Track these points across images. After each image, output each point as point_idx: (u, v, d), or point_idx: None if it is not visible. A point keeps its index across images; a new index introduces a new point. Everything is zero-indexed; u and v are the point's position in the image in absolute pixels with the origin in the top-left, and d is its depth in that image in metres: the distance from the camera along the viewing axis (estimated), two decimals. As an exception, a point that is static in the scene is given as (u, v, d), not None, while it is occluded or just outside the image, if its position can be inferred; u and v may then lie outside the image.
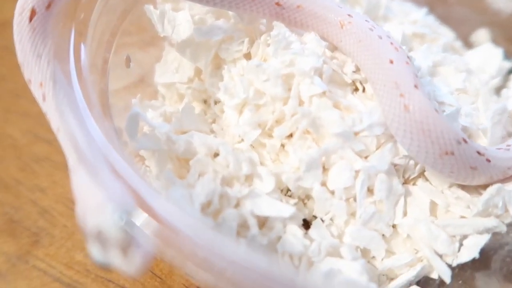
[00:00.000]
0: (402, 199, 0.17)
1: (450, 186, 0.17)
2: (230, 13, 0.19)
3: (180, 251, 0.11)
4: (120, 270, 0.11)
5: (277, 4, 0.18)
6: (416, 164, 0.17)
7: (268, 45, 0.18)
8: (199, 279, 0.14)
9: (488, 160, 0.15)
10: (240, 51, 0.19)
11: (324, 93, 0.17)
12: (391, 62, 0.16)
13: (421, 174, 0.17)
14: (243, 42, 0.19)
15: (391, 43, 0.17)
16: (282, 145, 0.17)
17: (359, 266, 0.15)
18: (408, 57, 0.16)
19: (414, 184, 0.17)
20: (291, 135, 0.17)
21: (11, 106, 0.24)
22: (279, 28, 0.18)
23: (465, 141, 0.15)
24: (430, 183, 0.17)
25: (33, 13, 0.14)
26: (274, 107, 0.17)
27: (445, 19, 0.24)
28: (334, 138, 0.16)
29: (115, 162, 0.12)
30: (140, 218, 0.11)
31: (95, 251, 0.11)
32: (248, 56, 0.19)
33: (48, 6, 0.14)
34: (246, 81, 0.17)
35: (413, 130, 0.15)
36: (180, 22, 0.19)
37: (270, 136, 0.17)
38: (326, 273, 0.14)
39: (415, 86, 0.15)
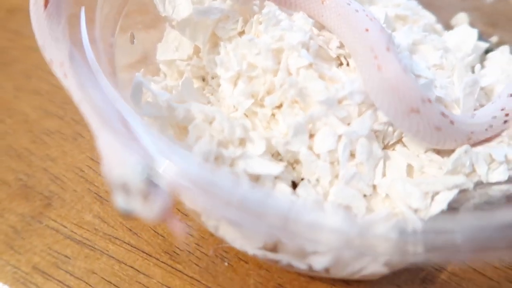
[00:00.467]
0: (381, 162, 0.18)
1: (426, 151, 0.19)
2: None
3: (195, 194, 0.13)
4: (142, 215, 0.13)
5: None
6: (394, 131, 0.19)
7: (260, 23, 0.20)
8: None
9: (452, 122, 0.17)
10: (235, 29, 0.20)
11: (310, 65, 0.18)
12: (367, 30, 0.18)
13: (399, 140, 0.19)
14: (237, 21, 0.20)
15: (366, 15, 0.18)
16: (273, 114, 0.19)
17: (340, 217, 0.16)
18: (382, 26, 0.18)
19: (393, 149, 0.19)
20: (281, 105, 0.19)
21: (22, 85, 0.25)
22: (270, 6, 0.19)
23: (429, 101, 0.17)
24: (408, 149, 0.19)
25: (46, 0, 0.16)
26: (265, 78, 0.19)
27: (427, 4, 0.25)
28: (319, 106, 0.18)
29: (133, 122, 0.14)
30: (159, 168, 0.13)
31: (119, 200, 0.13)
32: (242, 34, 0.21)
33: None
34: (239, 55, 0.19)
35: (384, 88, 0.17)
36: (180, 2, 0.20)
37: (262, 105, 0.19)
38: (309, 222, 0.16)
39: (387, 49, 0.17)
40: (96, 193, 0.21)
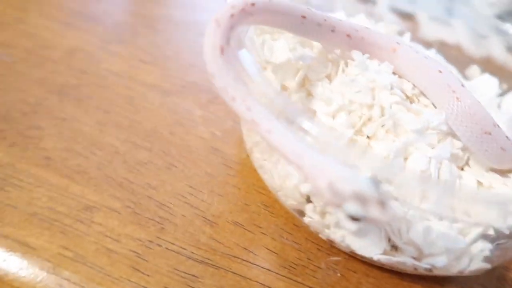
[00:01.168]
0: (457, 180, 0.22)
1: (487, 171, 0.23)
2: (314, 43, 0.25)
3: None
4: (378, 219, 0.15)
5: (348, 36, 0.24)
6: (464, 155, 0.23)
7: (346, 67, 0.24)
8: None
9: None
10: (324, 72, 0.24)
11: (400, 101, 0.22)
12: (440, 72, 0.23)
13: (467, 162, 0.23)
14: (326, 66, 0.24)
15: (435, 61, 0.23)
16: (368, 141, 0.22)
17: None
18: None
19: (462, 169, 0.23)
20: (373, 136, 0.22)
21: (104, 119, 0.26)
22: (359, 55, 0.24)
23: (498, 126, 0.22)
24: (473, 169, 0.23)
25: (221, 48, 0.18)
26: (362, 112, 0.22)
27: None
28: (411, 134, 0.22)
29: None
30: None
31: (354, 208, 0.15)
32: (328, 77, 0.24)
33: (227, 42, 0.19)
34: (338, 92, 0.22)
35: (463, 114, 0.21)
36: (277, 49, 0.24)
37: (358, 135, 0.22)
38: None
39: (462, 85, 0.22)
40: (204, 217, 0.22)
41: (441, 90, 0.22)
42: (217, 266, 0.20)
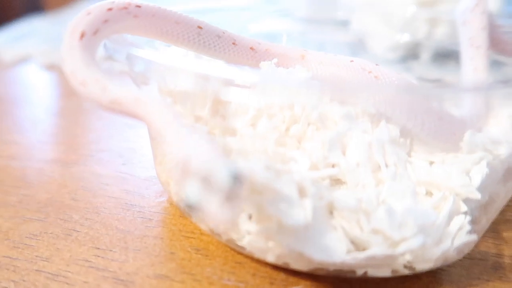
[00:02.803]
0: (408, 165, 0.20)
1: (435, 153, 0.21)
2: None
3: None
4: (214, 213, 0.12)
5: (251, 48, 0.23)
6: (405, 141, 0.21)
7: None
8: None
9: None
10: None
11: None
12: (351, 61, 0.21)
13: (411, 148, 0.21)
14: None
15: (346, 57, 0.22)
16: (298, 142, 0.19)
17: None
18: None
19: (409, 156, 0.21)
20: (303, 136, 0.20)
21: (-15, 201, 0.21)
22: (265, 63, 0.22)
23: None
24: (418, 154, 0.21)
25: (82, 34, 0.16)
26: (284, 115, 0.20)
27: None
28: (342, 122, 0.19)
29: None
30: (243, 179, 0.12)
31: (193, 190, 0.12)
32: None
33: (94, 32, 0.16)
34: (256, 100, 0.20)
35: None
36: (180, 78, 0.22)
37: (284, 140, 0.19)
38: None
39: (376, 64, 0.21)
40: (114, 278, 0.17)
41: (358, 75, 0.21)
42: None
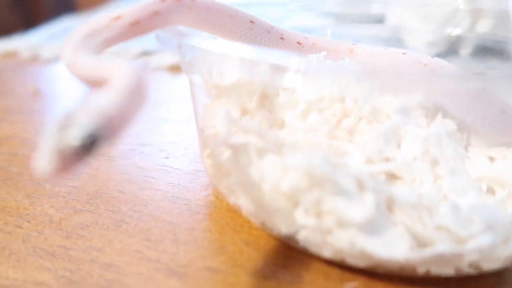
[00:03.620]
0: (466, 160, 0.19)
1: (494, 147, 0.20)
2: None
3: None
4: (40, 157, 0.11)
5: (298, 43, 0.22)
6: (462, 135, 0.20)
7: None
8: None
9: None
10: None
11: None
12: (404, 53, 0.21)
13: (469, 142, 0.20)
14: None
15: (394, 48, 0.22)
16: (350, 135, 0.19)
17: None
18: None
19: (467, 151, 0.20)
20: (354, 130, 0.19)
21: (37, 191, 0.22)
22: (314, 56, 0.22)
23: None
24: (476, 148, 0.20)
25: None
26: (334, 108, 0.19)
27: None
28: (396, 116, 0.19)
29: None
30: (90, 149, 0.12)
31: (50, 134, 0.11)
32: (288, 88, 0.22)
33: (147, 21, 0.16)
34: (304, 91, 0.20)
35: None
36: (227, 70, 0.22)
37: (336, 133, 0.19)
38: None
39: (431, 57, 0.20)
40: (168, 270, 0.17)
41: (412, 67, 0.20)
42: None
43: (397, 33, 0.48)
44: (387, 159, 0.18)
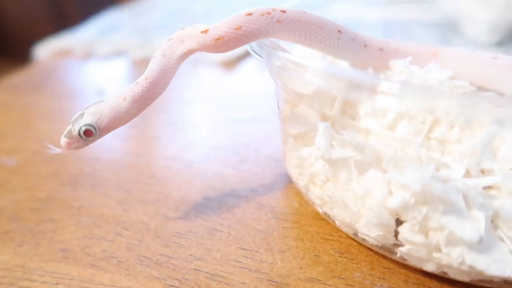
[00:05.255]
0: None
1: None
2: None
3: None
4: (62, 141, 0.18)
5: (380, 49, 0.22)
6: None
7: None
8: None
9: None
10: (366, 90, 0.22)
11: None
12: (495, 58, 0.20)
13: None
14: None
15: (483, 52, 0.21)
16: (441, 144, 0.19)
17: None
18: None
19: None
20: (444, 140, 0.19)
21: (127, 198, 0.23)
22: (398, 61, 0.21)
23: None
24: None
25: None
26: (423, 117, 0.19)
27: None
28: (492, 126, 0.18)
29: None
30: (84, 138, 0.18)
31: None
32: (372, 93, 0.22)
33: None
34: (392, 100, 0.20)
35: None
36: (307, 79, 0.22)
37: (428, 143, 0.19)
38: None
39: None
40: (269, 280, 0.17)
41: (505, 74, 0.19)
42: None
43: (453, 19, 0.46)
44: (483, 171, 0.18)
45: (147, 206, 0.22)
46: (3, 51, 1.48)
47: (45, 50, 0.50)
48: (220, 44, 0.19)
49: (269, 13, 0.18)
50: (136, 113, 0.19)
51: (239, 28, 0.18)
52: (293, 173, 0.21)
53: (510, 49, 0.42)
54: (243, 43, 0.19)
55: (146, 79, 0.19)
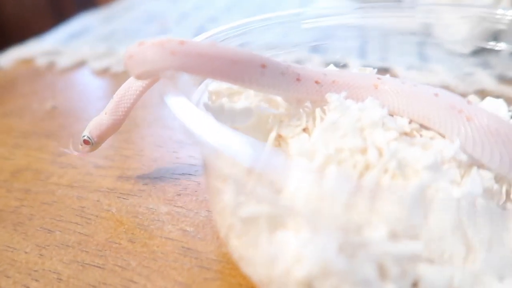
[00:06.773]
0: (505, 222, 0.17)
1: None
2: (279, 100, 0.21)
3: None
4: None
5: (316, 82, 0.20)
6: (501, 186, 0.18)
7: (324, 115, 0.20)
8: None
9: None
10: (300, 126, 0.20)
11: (399, 136, 0.18)
12: (436, 95, 0.18)
13: (508, 197, 0.18)
14: (300, 118, 0.20)
15: (426, 86, 0.19)
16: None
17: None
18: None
19: (504, 209, 0.18)
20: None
21: (46, 241, 0.21)
22: (333, 96, 0.19)
23: None
24: (518, 205, 0.18)
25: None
26: (355, 160, 0.17)
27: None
28: (425, 172, 0.17)
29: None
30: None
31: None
32: (306, 131, 0.20)
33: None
34: (322, 142, 0.18)
35: (482, 135, 0.16)
36: (240, 111, 0.20)
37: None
38: None
39: (468, 102, 0.17)
40: None
41: (445, 114, 0.18)
42: None
43: (428, 27, 0.44)
44: (412, 229, 0.16)
45: (65, 251, 0.21)
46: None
47: (8, 58, 0.48)
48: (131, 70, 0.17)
49: (161, 44, 0.16)
50: (116, 124, 0.23)
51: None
52: (217, 220, 0.19)
53: (485, 59, 0.41)
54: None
55: (116, 95, 0.22)
